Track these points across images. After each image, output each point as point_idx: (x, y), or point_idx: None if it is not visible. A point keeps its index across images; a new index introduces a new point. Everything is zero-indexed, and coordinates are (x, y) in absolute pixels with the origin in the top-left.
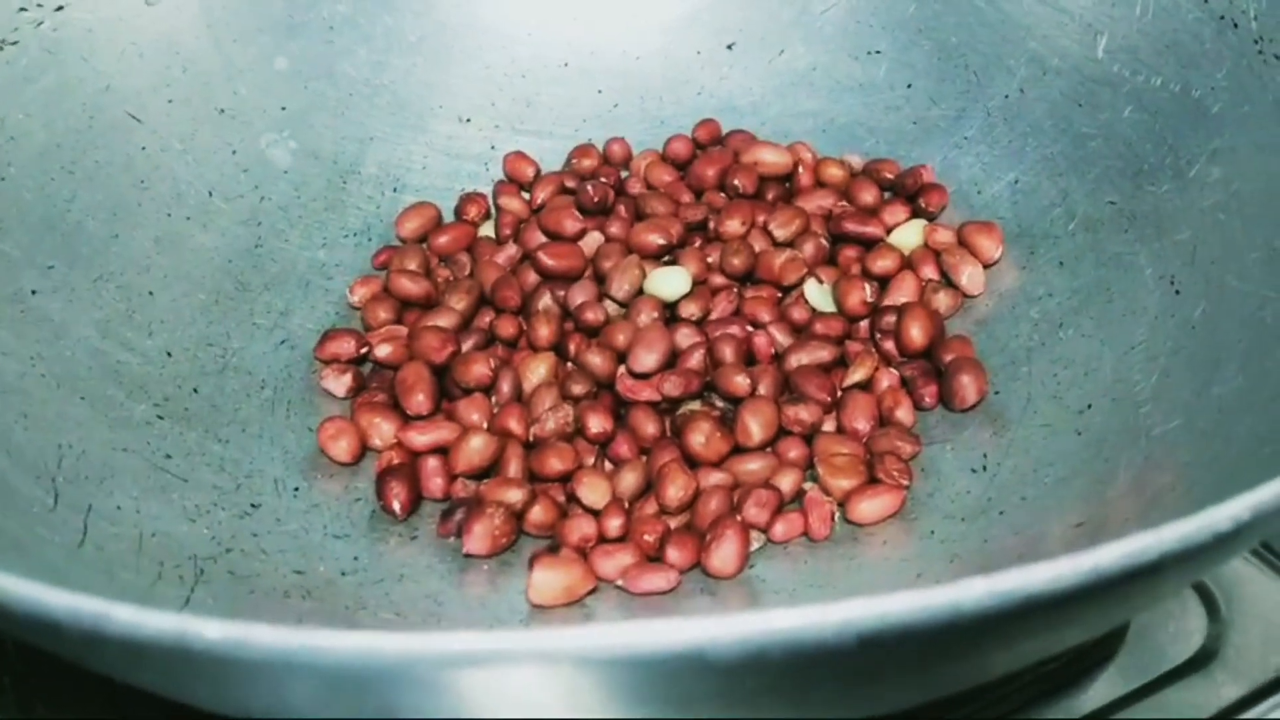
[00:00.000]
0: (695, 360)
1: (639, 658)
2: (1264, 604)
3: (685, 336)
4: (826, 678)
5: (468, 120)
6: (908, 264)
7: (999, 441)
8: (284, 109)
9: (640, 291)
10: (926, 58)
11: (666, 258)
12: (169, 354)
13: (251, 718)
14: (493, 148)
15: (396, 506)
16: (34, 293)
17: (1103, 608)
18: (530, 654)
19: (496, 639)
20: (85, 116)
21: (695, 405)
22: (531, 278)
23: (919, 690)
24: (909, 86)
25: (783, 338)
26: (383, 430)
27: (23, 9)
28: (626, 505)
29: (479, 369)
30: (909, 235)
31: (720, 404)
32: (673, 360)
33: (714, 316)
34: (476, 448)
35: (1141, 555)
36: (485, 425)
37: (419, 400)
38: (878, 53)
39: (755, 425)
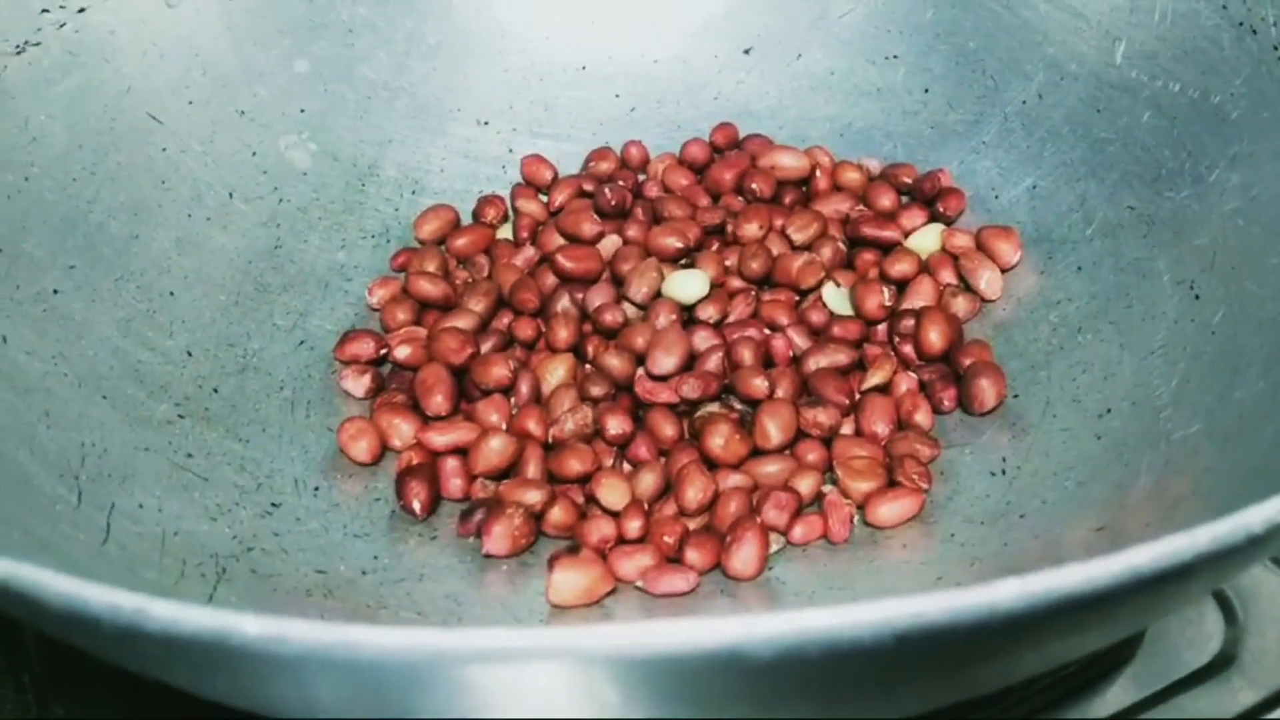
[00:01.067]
0: (713, 363)
1: (674, 656)
2: None
3: (703, 339)
4: (856, 679)
5: (486, 123)
6: (925, 268)
7: (1018, 445)
8: (303, 111)
9: (658, 294)
10: (944, 63)
11: (684, 261)
12: (189, 354)
13: (276, 715)
14: (511, 150)
15: (416, 506)
16: (56, 292)
17: (1132, 609)
18: (566, 651)
19: (549, 636)
20: (107, 118)
21: (714, 407)
22: (550, 280)
23: (944, 692)
24: (926, 91)
25: (801, 340)
26: (402, 431)
27: (45, 10)
28: (646, 506)
29: (498, 370)
30: (927, 239)
31: (739, 406)
32: (691, 363)
33: (732, 319)
34: (496, 448)
35: (1175, 557)
36: (504, 426)
37: (438, 401)
38: (895, 58)
39: (774, 428)
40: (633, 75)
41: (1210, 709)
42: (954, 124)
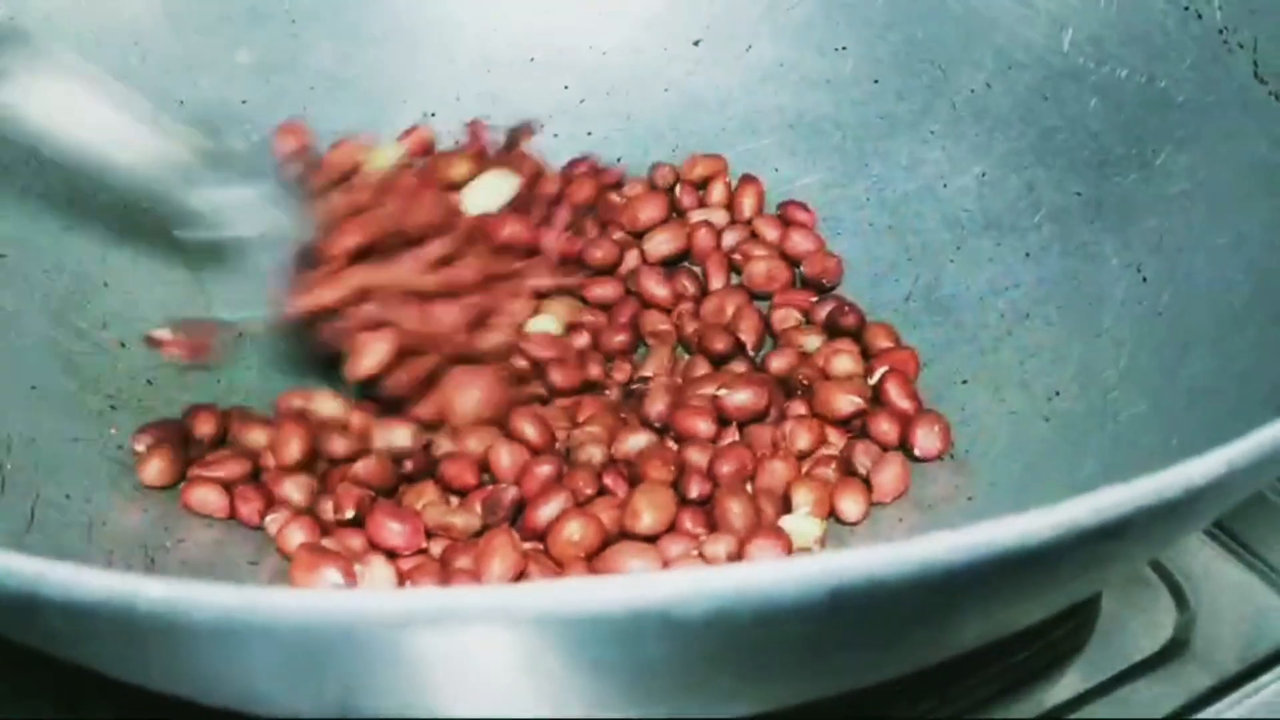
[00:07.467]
0: None
1: (604, 614)
2: (1232, 594)
3: None
4: (791, 643)
5: (433, 115)
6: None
7: (966, 429)
8: (245, 102)
9: None
10: (893, 53)
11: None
12: (123, 345)
13: (204, 700)
14: (458, 143)
15: None
16: None
17: (1072, 569)
18: (492, 612)
19: (460, 596)
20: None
21: None
22: None
23: (885, 661)
24: (875, 82)
25: None
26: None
27: None
28: None
29: None
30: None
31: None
32: None
33: None
34: None
35: (1113, 510)
36: None
37: None
38: (844, 48)
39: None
40: (582, 67)
41: (1163, 696)
42: (903, 114)
